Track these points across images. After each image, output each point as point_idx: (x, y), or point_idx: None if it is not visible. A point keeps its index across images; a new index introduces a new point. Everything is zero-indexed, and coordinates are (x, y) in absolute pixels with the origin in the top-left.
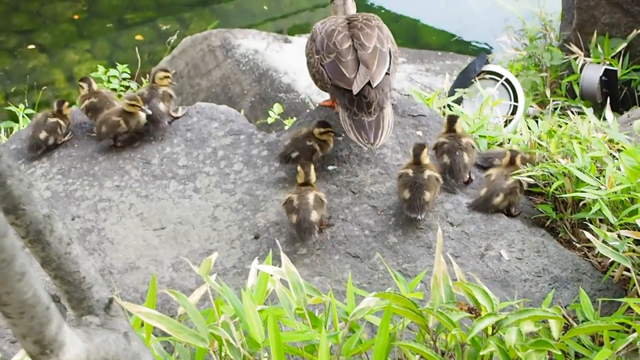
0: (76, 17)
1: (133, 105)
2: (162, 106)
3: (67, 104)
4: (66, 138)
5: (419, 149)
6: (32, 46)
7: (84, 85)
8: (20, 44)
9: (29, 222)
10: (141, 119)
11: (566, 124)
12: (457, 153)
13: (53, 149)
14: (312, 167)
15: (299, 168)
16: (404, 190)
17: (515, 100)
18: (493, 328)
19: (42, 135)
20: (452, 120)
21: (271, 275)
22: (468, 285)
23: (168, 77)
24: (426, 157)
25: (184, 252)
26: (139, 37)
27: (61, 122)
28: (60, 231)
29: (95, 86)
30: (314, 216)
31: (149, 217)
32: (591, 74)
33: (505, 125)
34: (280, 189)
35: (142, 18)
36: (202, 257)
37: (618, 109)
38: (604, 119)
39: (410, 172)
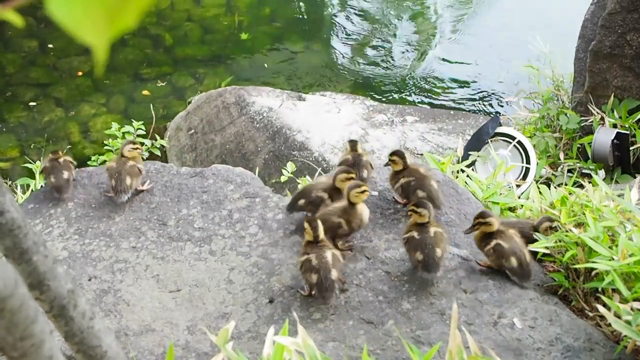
0: (80, 73)
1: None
2: (127, 180)
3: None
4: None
5: (423, 206)
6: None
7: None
8: (37, 97)
9: (54, 297)
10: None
11: (571, 193)
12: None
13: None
14: (319, 222)
15: (305, 225)
16: (415, 253)
17: (527, 162)
18: None
19: (65, 175)
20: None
21: (287, 346)
22: (482, 358)
23: (137, 149)
24: (428, 215)
25: (199, 314)
26: (145, 93)
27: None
28: (83, 306)
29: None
30: (334, 274)
31: (164, 279)
32: (603, 137)
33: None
34: (295, 252)
35: (157, 73)
36: (217, 320)
37: (630, 172)
38: (616, 181)
39: (415, 234)
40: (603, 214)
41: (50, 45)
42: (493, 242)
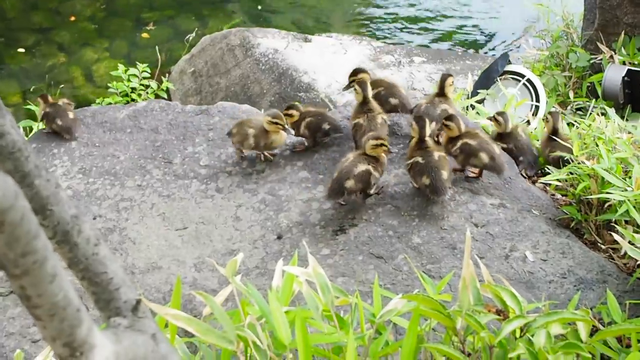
0: (72, 18)
1: (275, 123)
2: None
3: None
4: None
5: (422, 121)
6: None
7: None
8: (39, 42)
9: (57, 222)
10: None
11: (589, 125)
12: None
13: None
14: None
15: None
16: (421, 177)
17: (537, 100)
18: (521, 330)
19: (71, 115)
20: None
21: (297, 277)
22: (496, 287)
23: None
24: (429, 129)
25: (207, 252)
26: (148, 36)
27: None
28: (87, 232)
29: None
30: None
31: (170, 216)
32: (614, 74)
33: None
34: (303, 188)
35: (160, 16)
36: (225, 257)
37: None
38: (627, 120)
39: (420, 159)
40: (616, 146)
41: None
42: (459, 142)
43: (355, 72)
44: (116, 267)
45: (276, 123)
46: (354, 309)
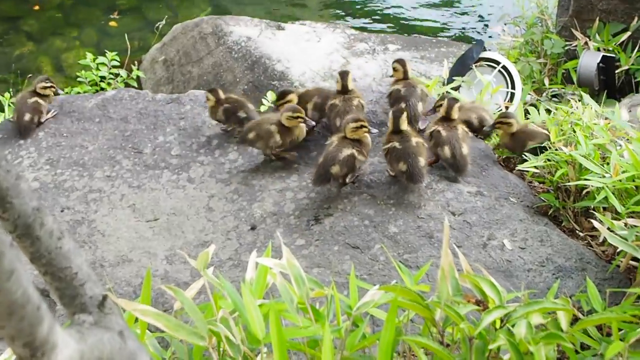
0: (36, 7)
1: (296, 118)
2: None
3: (42, 84)
4: (49, 116)
5: (399, 113)
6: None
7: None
8: (6, 31)
9: (17, 215)
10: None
11: (566, 112)
12: None
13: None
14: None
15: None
16: (398, 163)
17: (513, 87)
18: (501, 321)
19: (27, 117)
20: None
21: (271, 268)
22: (475, 277)
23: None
24: (405, 122)
25: (178, 243)
26: (118, 25)
27: (41, 101)
28: (50, 225)
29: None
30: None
31: (141, 208)
32: (589, 60)
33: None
34: (276, 178)
35: (130, 4)
36: (197, 249)
37: (615, 96)
38: (602, 105)
39: (397, 144)
40: (593, 132)
41: None
42: (433, 128)
43: (283, 94)
44: (81, 261)
45: (297, 117)
46: (330, 301)
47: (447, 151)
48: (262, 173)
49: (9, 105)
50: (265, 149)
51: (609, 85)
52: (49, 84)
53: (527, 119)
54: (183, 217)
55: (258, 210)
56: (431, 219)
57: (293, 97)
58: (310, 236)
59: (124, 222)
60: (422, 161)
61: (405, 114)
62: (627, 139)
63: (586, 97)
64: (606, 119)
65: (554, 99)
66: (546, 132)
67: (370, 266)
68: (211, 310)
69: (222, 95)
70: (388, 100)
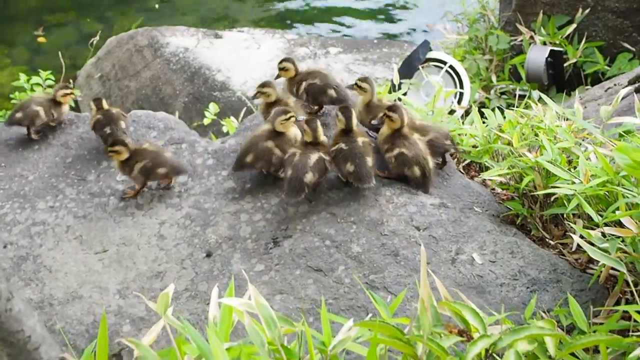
0: None
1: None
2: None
3: (62, 91)
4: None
5: (348, 112)
6: None
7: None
8: None
9: None
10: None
11: (527, 116)
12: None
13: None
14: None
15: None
16: (345, 164)
17: (461, 87)
18: (486, 350)
19: (18, 115)
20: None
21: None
22: (454, 304)
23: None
24: (355, 122)
25: (131, 276)
26: (50, 41)
27: (42, 113)
28: None
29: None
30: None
31: (88, 239)
32: (536, 55)
33: (451, 113)
34: (230, 200)
35: (61, 19)
36: (151, 280)
37: (564, 90)
38: (553, 101)
39: (343, 145)
40: (557, 135)
41: None
42: (396, 151)
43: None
44: (34, 322)
45: (290, 117)
46: (301, 337)
47: (416, 170)
48: (214, 195)
49: None
50: (269, 168)
51: (558, 79)
52: (68, 91)
53: (484, 122)
54: (134, 246)
55: (213, 235)
56: (395, 236)
57: (289, 66)
58: (269, 260)
59: (71, 255)
60: (370, 161)
61: (354, 112)
62: (591, 140)
63: (545, 98)
64: (567, 119)
65: (503, 96)
66: (444, 128)
67: (336, 290)
68: (174, 356)
69: (105, 105)
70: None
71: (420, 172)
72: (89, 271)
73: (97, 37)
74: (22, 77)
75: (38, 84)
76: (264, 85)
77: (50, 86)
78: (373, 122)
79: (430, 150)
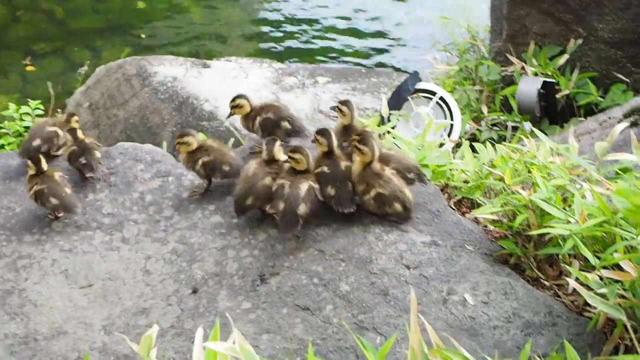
0: None
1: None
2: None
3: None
4: (60, 152)
5: (328, 135)
6: None
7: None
8: None
9: None
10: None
11: (513, 150)
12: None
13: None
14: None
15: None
16: (326, 187)
17: (451, 118)
18: None
19: (35, 142)
20: None
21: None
22: (446, 351)
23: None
24: (335, 145)
25: (116, 312)
26: (41, 69)
27: (60, 132)
28: None
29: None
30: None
31: (74, 273)
32: (528, 87)
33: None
34: (216, 235)
35: (52, 48)
36: (136, 316)
37: (557, 122)
38: (545, 133)
39: (325, 168)
40: (551, 172)
41: None
42: (373, 192)
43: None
44: None
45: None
46: None
47: (397, 206)
48: (201, 230)
49: None
50: (271, 208)
51: (550, 111)
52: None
53: (475, 156)
54: (119, 281)
55: (199, 271)
56: (385, 274)
57: (244, 103)
58: (256, 298)
59: (56, 289)
60: (351, 186)
61: (333, 135)
62: (587, 178)
63: (538, 133)
64: (560, 155)
65: (494, 127)
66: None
67: (323, 329)
68: None
69: (80, 135)
70: None
71: (402, 207)
72: (74, 306)
73: (86, 67)
74: (12, 106)
75: (27, 114)
76: (182, 135)
77: (39, 115)
78: (344, 143)
79: None
